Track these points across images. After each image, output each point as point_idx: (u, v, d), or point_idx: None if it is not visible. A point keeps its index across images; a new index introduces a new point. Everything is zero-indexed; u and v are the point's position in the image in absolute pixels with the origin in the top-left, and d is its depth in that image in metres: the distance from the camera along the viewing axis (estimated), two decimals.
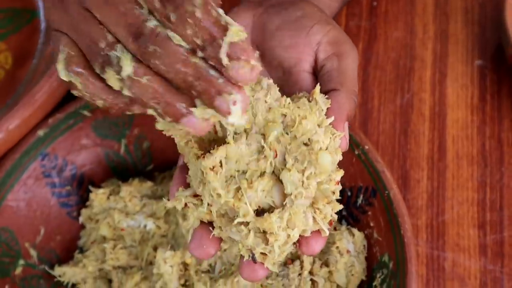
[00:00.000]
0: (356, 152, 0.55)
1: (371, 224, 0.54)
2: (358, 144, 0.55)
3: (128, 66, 0.36)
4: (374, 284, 0.53)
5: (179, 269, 0.54)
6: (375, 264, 0.53)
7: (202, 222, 0.42)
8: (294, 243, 0.41)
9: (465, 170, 0.63)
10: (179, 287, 0.54)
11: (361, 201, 0.55)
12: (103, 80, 0.37)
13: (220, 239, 0.42)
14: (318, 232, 0.42)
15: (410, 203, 0.61)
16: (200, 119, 0.37)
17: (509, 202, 0.61)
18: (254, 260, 0.41)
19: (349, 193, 0.56)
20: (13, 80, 0.67)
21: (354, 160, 0.55)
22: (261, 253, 0.40)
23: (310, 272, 0.52)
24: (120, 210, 0.58)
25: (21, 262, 0.56)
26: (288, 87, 0.47)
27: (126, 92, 0.36)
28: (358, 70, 0.68)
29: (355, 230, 0.54)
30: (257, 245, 0.40)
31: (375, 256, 0.54)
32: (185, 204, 0.42)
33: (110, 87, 0.37)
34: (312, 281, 0.52)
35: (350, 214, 0.56)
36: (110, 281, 0.58)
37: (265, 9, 0.50)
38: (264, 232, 0.40)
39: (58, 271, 0.57)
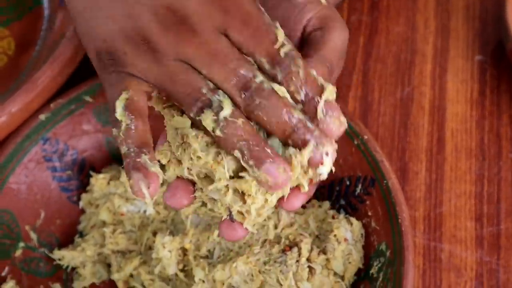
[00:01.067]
0: (355, 142, 0.55)
1: (369, 213, 0.55)
2: (358, 134, 0.55)
3: (228, 108, 0.39)
4: (371, 272, 0.53)
5: (177, 254, 0.55)
6: (372, 252, 0.54)
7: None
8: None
9: (463, 163, 0.63)
10: (178, 272, 0.55)
11: (360, 190, 0.56)
12: (142, 134, 0.40)
13: (194, 191, 0.43)
14: (298, 188, 0.42)
15: (408, 194, 0.62)
16: (281, 169, 0.39)
17: (506, 195, 0.61)
18: (231, 219, 0.41)
19: (347, 183, 0.57)
20: (16, 66, 0.67)
21: (353, 150, 0.56)
22: (239, 212, 0.41)
23: (308, 259, 0.53)
24: (120, 195, 0.58)
25: (21, 244, 0.57)
26: None
27: (218, 132, 0.39)
28: (359, 63, 0.69)
29: (353, 219, 0.55)
30: (235, 203, 0.40)
31: (372, 244, 0.54)
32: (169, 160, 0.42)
33: (142, 143, 0.40)
34: (310, 268, 0.52)
35: (348, 204, 0.57)
36: (109, 265, 0.59)
37: None
38: (243, 193, 0.40)
39: (57, 254, 0.58)
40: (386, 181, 0.53)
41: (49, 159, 0.59)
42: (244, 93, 0.39)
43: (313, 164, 0.40)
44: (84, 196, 0.60)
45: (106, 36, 0.41)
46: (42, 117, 0.58)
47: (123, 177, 0.58)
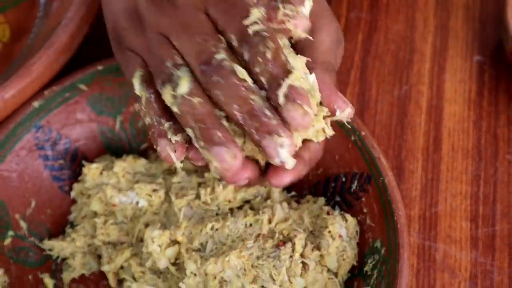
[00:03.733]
0: (353, 138, 0.55)
1: (365, 210, 0.54)
2: (355, 130, 0.55)
3: (185, 86, 0.39)
4: (365, 269, 0.52)
5: (166, 247, 0.54)
6: (367, 250, 0.53)
7: None
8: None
9: (459, 163, 0.63)
10: (169, 266, 0.54)
11: (356, 187, 0.55)
12: (161, 104, 0.41)
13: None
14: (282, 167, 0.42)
15: (403, 193, 0.61)
16: (230, 155, 0.39)
17: (502, 197, 0.61)
18: None
19: (343, 179, 0.56)
20: (10, 54, 0.66)
21: (350, 146, 0.55)
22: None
23: (302, 255, 0.52)
24: (113, 186, 0.57)
25: (11, 233, 0.56)
26: None
27: (174, 109, 0.39)
28: (357, 60, 0.69)
29: (348, 216, 0.54)
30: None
31: (367, 242, 0.53)
32: None
33: (163, 113, 0.41)
34: (303, 264, 0.52)
35: (343, 200, 0.56)
36: (99, 256, 0.58)
37: None
38: None
39: (47, 244, 0.57)
40: (382, 178, 0.52)
41: (41, 147, 0.58)
42: (205, 68, 0.38)
43: (267, 155, 0.39)
44: (76, 186, 0.59)
45: (114, 15, 0.43)
46: (35, 104, 0.57)
47: (116, 167, 0.57)
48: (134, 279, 0.55)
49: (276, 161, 0.39)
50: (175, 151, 0.40)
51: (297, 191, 0.58)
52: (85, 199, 0.59)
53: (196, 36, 0.39)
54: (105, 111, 0.60)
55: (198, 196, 0.55)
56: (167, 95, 0.39)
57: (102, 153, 0.61)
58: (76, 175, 0.60)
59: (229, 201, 0.55)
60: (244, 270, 0.51)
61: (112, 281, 0.57)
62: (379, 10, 0.71)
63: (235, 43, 0.39)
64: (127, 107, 0.60)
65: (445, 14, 0.71)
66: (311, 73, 0.42)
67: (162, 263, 0.54)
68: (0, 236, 0.55)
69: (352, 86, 0.67)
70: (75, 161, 0.60)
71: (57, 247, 0.57)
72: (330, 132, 0.43)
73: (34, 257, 0.57)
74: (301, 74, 0.39)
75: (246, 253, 0.51)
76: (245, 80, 0.38)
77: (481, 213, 0.60)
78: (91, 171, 0.58)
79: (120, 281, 0.57)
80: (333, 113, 0.42)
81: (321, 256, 0.52)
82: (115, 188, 0.57)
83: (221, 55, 0.38)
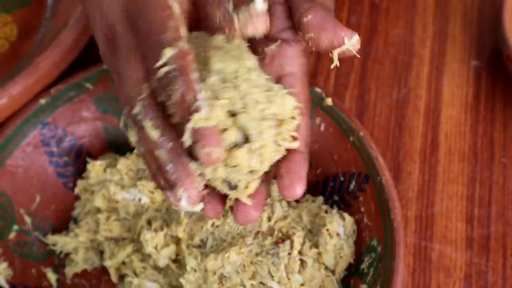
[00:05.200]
0: (351, 139, 0.56)
1: (362, 210, 0.55)
2: (353, 130, 0.56)
3: (132, 137, 0.42)
4: (361, 267, 0.53)
5: (165, 246, 0.55)
6: (363, 248, 0.54)
7: None
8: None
9: (456, 166, 0.64)
10: (170, 263, 0.55)
11: (353, 186, 0.56)
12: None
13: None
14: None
15: (401, 194, 0.62)
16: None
17: (497, 199, 0.62)
18: (231, 187, 0.43)
19: (342, 179, 0.57)
20: (17, 53, 0.68)
21: (348, 146, 0.56)
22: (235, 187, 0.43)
23: (300, 252, 0.53)
24: (116, 183, 0.58)
25: (15, 227, 0.57)
26: None
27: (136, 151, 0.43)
28: (356, 63, 0.70)
29: (345, 214, 0.55)
30: (229, 174, 0.42)
31: (364, 240, 0.55)
32: None
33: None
34: (301, 261, 0.53)
35: (341, 199, 0.57)
36: (101, 252, 0.59)
37: None
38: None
39: (50, 239, 0.58)
40: (379, 178, 0.54)
41: (47, 144, 0.59)
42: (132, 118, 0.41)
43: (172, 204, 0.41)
44: (79, 182, 0.60)
45: (110, 15, 0.44)
46: (42, 101, 0.58)
47: (120, 164, 0.59)
48: (136, 274, 0.56)
49: (180, 209, 0.41)
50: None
51: None
52: (89, 196, 0.60)
53: (126, 86, 0.41)
54: (109, 109, 0.61)
55: None
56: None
57: (106, 151, 0.62)
58: (80, 172, 0.61)
59: (230, 199, 0.56)
60: (244, 266, 0.52)
61: (113, 276, 0.58)
62: (379, 15, 0.72)
63: (155, 84, 0.40)
64: None
65: (444, 19, 0.72)
66: (310, 13, 0.43)
67: (162, 262, 0.55)
68: (5, 230, 0.57)
69: (352, 89, 0.68)
70: (79, 159, 0.61)
71: (60, 242, 0.58)
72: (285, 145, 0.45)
73: (37, 252, 0.58)
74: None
75: (246, 250, 0.52)
76: (152, 133, 0.40)
77: (476, 215, 0.61)
78: (95, 168, 0.59)
79: (122, 277, 0.58)
80: (340, 43, 0.43)
81: (319, 253, 0.54)
82: (118, 185, 0.58)
83: (137, 109, 0.40)
